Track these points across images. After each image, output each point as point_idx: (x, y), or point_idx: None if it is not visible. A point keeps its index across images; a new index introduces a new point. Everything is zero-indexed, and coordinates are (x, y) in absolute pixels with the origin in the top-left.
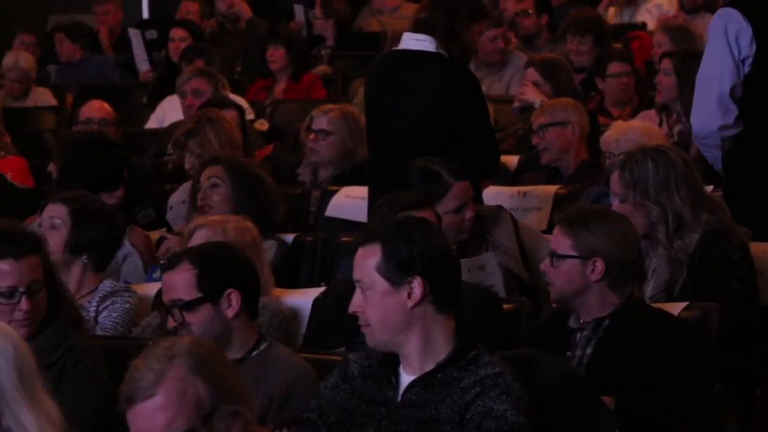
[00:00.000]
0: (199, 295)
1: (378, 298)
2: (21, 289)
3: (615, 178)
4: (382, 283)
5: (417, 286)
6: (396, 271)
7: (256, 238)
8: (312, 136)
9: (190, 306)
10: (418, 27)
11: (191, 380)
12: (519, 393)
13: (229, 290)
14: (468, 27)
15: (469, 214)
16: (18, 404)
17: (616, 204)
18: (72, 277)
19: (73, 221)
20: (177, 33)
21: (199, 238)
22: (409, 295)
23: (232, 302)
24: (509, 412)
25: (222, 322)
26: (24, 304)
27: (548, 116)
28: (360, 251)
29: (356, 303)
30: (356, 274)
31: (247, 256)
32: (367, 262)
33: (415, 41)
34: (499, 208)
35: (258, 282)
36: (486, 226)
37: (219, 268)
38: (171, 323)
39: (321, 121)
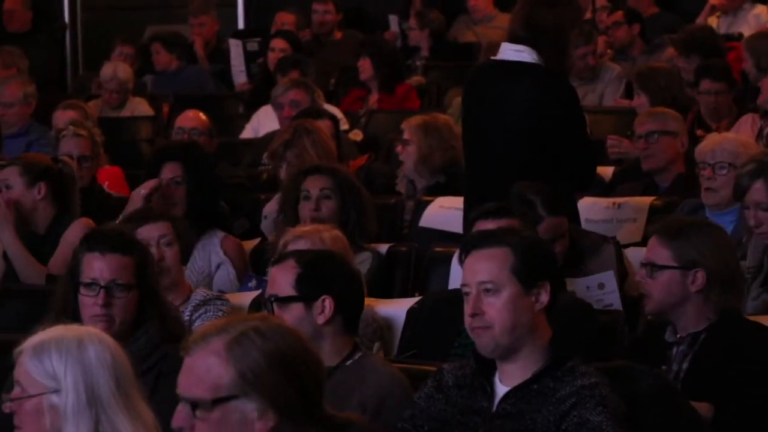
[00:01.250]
0: (294, 293)
1: (508, 300)
2: (101, 283)
3: (758, 186)
4: (514, 285)
5: (545, 291)
6: (529, 275)
7: (347, 248)
8: (399, 147)
9: (283, 302)
10: (517, 39)
11: (222, 360)
12: (615, 405)
13: (324, 296)
14: (568, 43)
15: (559, 247)
16: (115, 411)
17: (751, 214)
18: (178, 286)
19: (180, 234)
20: (278, 44)
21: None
22: (536, 300)
23: (325, 309)
24: (605, 424)
25: (311, 326)
26: (101, 299)
27: (659, 123)
28: (482, 254)
29: (476, 305)
30: (479, 276)
31: (355, 269)
32: (497, 264)
33: (513, 52)
34: (604, 239)
35: (361, 297)
36: (583, 256)
37: (320, 273)
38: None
39: (405, 132)
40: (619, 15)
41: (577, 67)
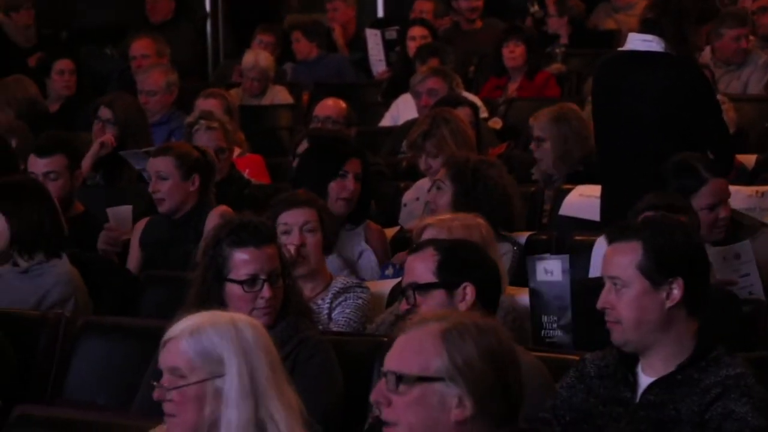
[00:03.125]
0: (436, 280)
1: (635, 297)
2: (262, 276)
3: None
4: (641, 282)
5: (677, 287)
6: (658, 271)
7: (486, 237)
8: (532, 144)
9: (424, 288)
10: (645, 27)
11: (436, 343)
12: (761, 395)
13: (465, 283)
14: (696, 28)
15: (723, 212)
16: (270, 396)
17: None
18: (318, 275)
19: (324, 222)
20: (417, 31)
21: (426, 237)
22: (668, 296)
23: (467, 296)
24: (750, 415)
25: None
26: (266, 292)
27: None
28: (615, 248)
29: (606, 299)
30: (610, 271)
31: (491, 257)
32: (626, 259)
33: (642, 42)
34: (762, 224)
35: (498, 284)
36: (741, 234)
37: (461, 260)
38: (403, 306)
39: (535, 129)
40: (765, 0)
41: (730, 49)
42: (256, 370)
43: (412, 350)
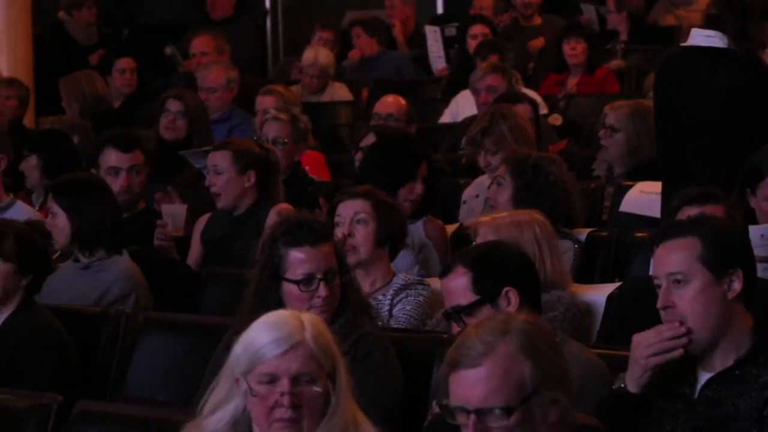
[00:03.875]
0: (477, 297)
1: (698, 291)
2: (318, 275)
3: None
4: (704, 275)
5: (737, 279)
6: (719, 263)
7: (541, 233)
8: (602, 131)
9: (469, 310)
10: (708, 23)
11: (518, 359)
12: None
13: (506, 288)
14: (759, 25)
15: None
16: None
17: None
18: (378, 270)
19: (378, 214)
20: (477, 28)
21: (480, 236)
22: (729, 288)
23: (511, 300)
24: None
25: None
26: (322, 291)
27: None
28: (670, 245)
29: (667, 298)
30: (668, 268)
31: (522, 250)
32: (685, 254)
33: (704, 37)
34: None
35: (536, 276)
36: None
37: (492, 267)
38: (455, 329)
39: (610, 118)
40: None
41: None
42: (340, 367)
43: (499, 379)
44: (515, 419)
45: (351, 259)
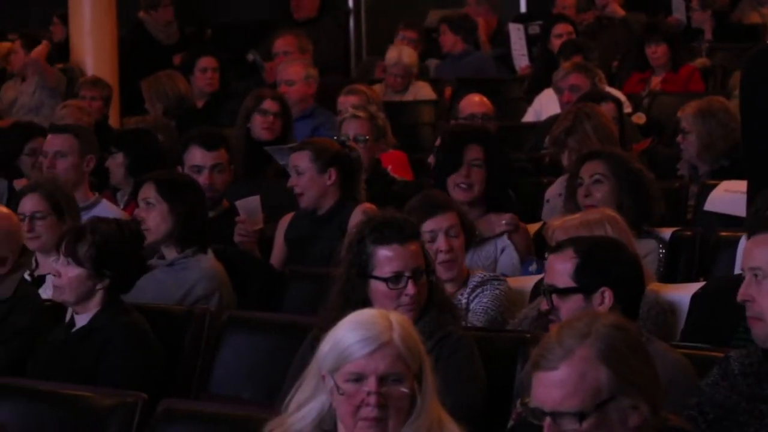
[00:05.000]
0: (573, 285)
1: None
2: (407, 273)
3: None
4: None
5: None
6: None
7: (611, 230)
8: (679, 136)
9: (562, 293)
10: None
11: (596, 364)
12: None
13: (603, 288)
14: None
15: None
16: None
17: None
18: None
19: (464, 223)
20: (562, 29)
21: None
22: None
23: (605, 300)
24: None
25: None
26: (410, 289)
27: None
28: (759, 239)
29: (746, 292)
30: (752, 262)
31: (634, 256)
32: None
33: None
34: None
35: (641, 283)
36: None
37: (600, 263)
38: (544, 305)
39: (682, 120)
40: None
41: None
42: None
43: (574, 384)
44: (589, 424)
45: (451, 273)
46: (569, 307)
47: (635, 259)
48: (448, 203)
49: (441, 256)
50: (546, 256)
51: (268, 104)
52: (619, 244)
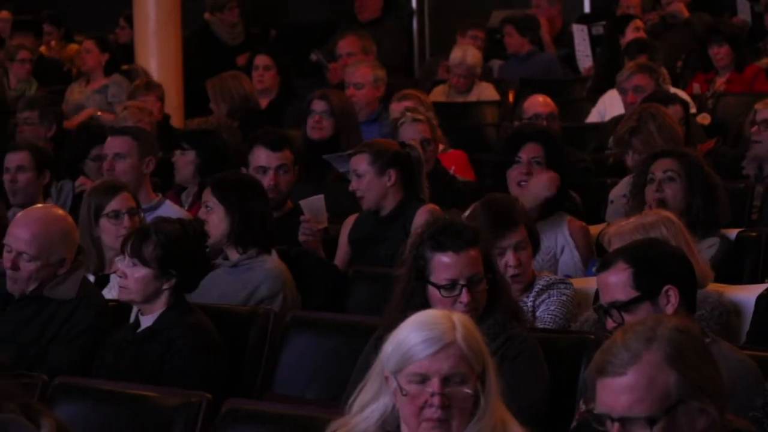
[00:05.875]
0: (637, 294)
1: None
2: (461, 281)
3: None
4: None
5: None
6: None
7: (668, 232)
8: (755, 128)
9: (628, 306)
10: None
11: (663, 369)
12: None
13: (666, 286)
14: None
15: None
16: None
17: None
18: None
19: (532, 234)
20: (629, 26)
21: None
22: None
23: (671, 298)
24: None
25: None
26: (464, 297)
27: None
28: None
29: None
30: None
31: (679, 249)
32: None
33: None
34: None
35: (694, 274)
36: None
37: (655, 264)
38: (610, 324)
39: (761, 113)
40: None
41: None
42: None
43: (642, 389)
44: (659, 429)
45: (519, 286)
46: (639, 316)
47: (681, 252)
48: (515, 217)
49: (510, 271)
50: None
51: (315, 104)
52: (660, 241)
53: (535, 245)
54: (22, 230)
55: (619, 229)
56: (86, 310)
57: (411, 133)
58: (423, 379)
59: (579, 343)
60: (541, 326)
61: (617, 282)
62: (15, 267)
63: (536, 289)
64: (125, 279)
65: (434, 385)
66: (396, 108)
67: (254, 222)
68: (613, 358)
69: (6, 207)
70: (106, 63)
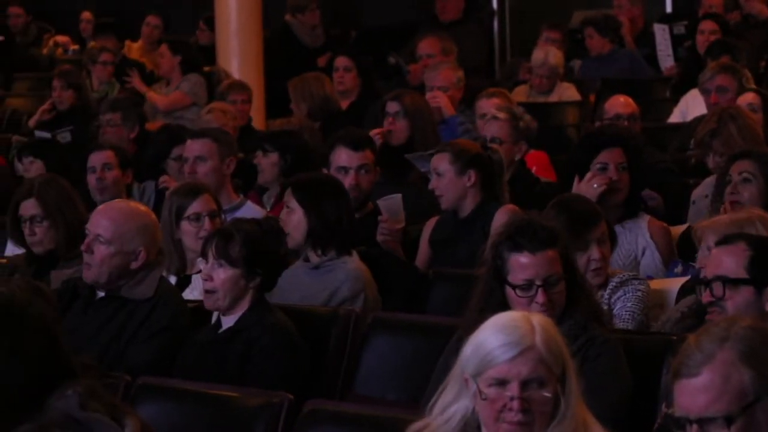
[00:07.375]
0: (746, 276)
1: None
2: (537, 282)
3: None
4: None
5: None
6: None
7: (763, 228)
8: None
9: (734, 283)
10: None
11: (738, 367)
12: None
13: None
14: None
15: None
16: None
17: None
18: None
19: (611, 229)
20: (707, 26)
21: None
22: None
23: None
24: None
25: (758, 311)
26: (540, 297)
27: None
28: None
29: None
30: None
31: None
32: None
33: None
34: None
35: None
36: None
37: None
38: (706, 297)
39: None
40: None
41: None
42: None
43: (720, 388)
44: (737, 428)
45: (599, 279)
46: (739, 298)
47: None
48: (597, 211)
49: (593, 264)
50: (698, 256)
51: (389, 105)
52: None
53: (613, 241)
54: (102, 216)
55: (713, 223)
56: (164, 310)
57: (490, 131)
58: (502, 383)
59: (661, 344)
60: (620, 323)
61: (732, 259)
62: (89, 250)
63: (611, 286)
64: (211, 281)
65: (513, 389)
66: (484, 105)
67: (333, 223)
68: (687, 359)
69: (91, 207)
70: (180, 64)
